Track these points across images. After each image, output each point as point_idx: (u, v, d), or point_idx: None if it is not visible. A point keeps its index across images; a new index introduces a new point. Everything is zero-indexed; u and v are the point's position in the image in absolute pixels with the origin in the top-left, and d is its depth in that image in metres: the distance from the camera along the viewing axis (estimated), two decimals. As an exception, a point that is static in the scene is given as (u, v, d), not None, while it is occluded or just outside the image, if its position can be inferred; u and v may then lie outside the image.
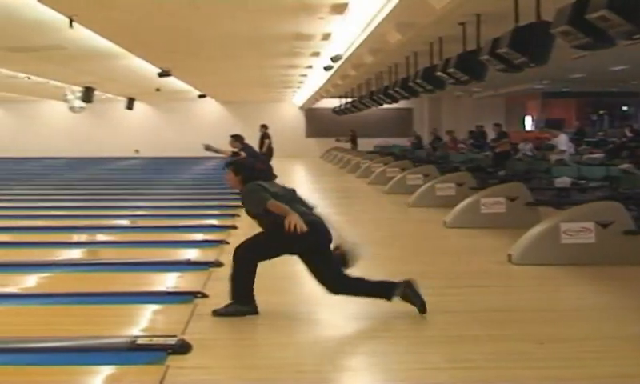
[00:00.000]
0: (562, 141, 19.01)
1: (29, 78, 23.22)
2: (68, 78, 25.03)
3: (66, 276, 8.48)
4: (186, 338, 5.62)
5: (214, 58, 18.58)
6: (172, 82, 24.52)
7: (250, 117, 34.50)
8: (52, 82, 25.20)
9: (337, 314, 6.53)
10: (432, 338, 5.80)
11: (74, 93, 27.70)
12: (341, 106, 29.69)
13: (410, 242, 11.07)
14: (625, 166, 15.20)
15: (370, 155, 28.35)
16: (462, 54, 11.16)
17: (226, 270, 6.76)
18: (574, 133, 25.84)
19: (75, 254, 10.49)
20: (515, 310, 6.78)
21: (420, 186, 15.76)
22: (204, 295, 6.98)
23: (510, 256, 8.68)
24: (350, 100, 27.27)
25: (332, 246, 6.40)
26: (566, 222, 8.66)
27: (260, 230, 6.51)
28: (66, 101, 28.43)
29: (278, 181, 15.15)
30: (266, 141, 21.35)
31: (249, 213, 6.49)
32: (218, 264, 8.32)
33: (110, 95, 32.31)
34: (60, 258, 9.77)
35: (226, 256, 6.83)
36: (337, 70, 18.43)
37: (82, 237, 11.93)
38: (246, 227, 8.19)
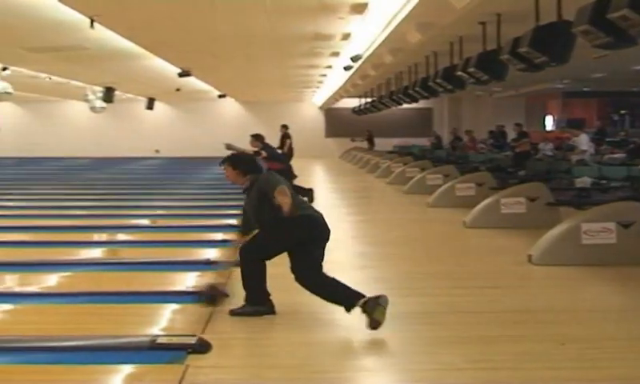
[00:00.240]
0: (583, 141, 18.92)
1: (50, 79, 23.34)
2: (89, 79, 25.15)
3: (86, 275, 8.53)
4: (206, 337, 5.63)
5: (233, 58, 18.61)
6: (192, 82, 24.57)
7: (269, 117, 34.54)
8: (73, 82, 25.31)
9: (354, 315, 6.50)
10: (450, 338, 5.79)
11: (95, 93, 27.82)
12: (360, 105, 29.64)
13: (430, 243, 11.04)
14: (646, 166, 15.10)
15: (390, 155, 28.30)
16: (483, 54, 11.12)
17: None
18: (595, 133, 25.70)
19: (96, 253, 10.54)
20: (535, 310, 6.74)
21: (440, 186, 15.73)
22: (224, 295, 6.98)
23: (530, 256, 8.65)
24: (369, 100, 27.23)
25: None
26: (587, 222, 8.62)
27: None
28: (86, 101, 28.56)
29: (297, 181, 15.21)
30: (287, 141, 21.42)
31: (252, 212, 6.50)
32: (237, 264, 8.32)
33: (130, 95, 32.44)
34: (80, 257, 9.82)
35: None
36: (356, 69, 18.42)
37: (103, 236, 11.98)
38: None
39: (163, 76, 22.26)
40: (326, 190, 20.17)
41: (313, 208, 6.62)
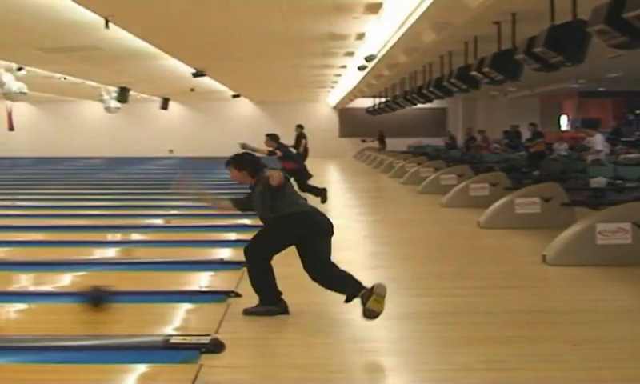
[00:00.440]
0: (598, 140, 18.80)
1: (65, 79, 23.42)
2: (103, 79, 25.22)
3: (100, 275, 8.52)
4: (219, 337, 5.64)
5: (248, 58, 18.62)
6: (206, 82, 24.61)
7: (283, 117, 34.58)
8: (88, 83, 25.40)
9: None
10: (464, 338, 5.77)
11: (110, 93, 27.90)
12: (374, 105, 29.62)
13: (444, 243, 11.01)
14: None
15: (404, 155, 28.28)
16: (497, 54, 11.08)
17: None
18: (610, 132, 25.56)
19: (109, 253, 10.57)
20: (550, 311, 6.72)
21: (454, 186, 15.70)
22: (237, 294, 7.00)
23: (544, 257, 8.62)
24: (383, 100, 27.20)
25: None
26: (602, 222, 8.58)
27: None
28: (101, 101, 28.64)
29: (311, 180, 15.22)
30: (303, 141, 21.47)
31: (257, 210, 6.58)
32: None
33: (145, 95, 32.52)
34: (94, 256, 9.86)
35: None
36: (371, 69, 18.40)
37: (117, 236, 12.02)
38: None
39: (177, 76, 22.31)
40: (340, 190, 20.16)
41: (310, 205, 6.68)
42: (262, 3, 11.61)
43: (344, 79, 25.16)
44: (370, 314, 5.98)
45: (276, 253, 6.43)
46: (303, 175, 15.22)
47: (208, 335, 5.62)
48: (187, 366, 5.07)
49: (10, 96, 20.01)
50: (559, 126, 35.39)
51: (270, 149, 14.39)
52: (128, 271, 8.71)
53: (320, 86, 29.59)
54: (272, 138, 14.59)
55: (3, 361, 5.34)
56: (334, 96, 34.01)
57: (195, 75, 20.51)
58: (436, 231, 12.21)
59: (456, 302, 6.97)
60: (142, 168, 29.52)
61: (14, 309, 7.02)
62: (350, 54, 17.57)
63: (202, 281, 7.91)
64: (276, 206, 6.38)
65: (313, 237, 6.34)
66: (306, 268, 6.33)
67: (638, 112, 33.74)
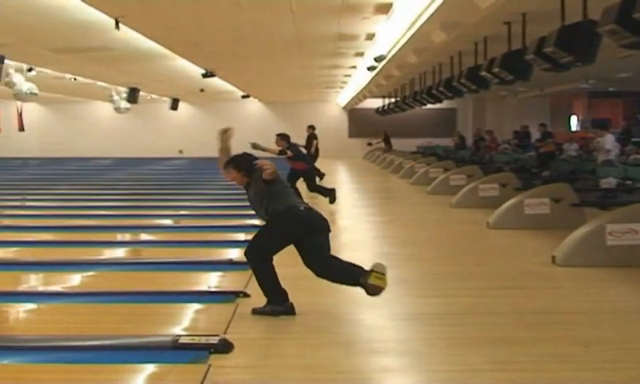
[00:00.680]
0: (608, 141, 18.74)
1: (75, 79, 23.48)
2: (113, 79, 25.27)
3: (110, 275, 8.57)
4: (228, 337, 5.64)
5: (257, 58, 18.63)
6: (216, 82, 24.63)
7: (293, 117, 34.63)
8: (98, 83, 25.46)
9: (376, 315, 6.50)
10: (473, 339, 5.75)
11: (120, 93, 27.97)
12: (384, 106, 29.60)
13: (453, 243, 10.99)
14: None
15: (413, 155, 28.26)
16: (507, 54, 11.07)
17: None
18: (621, 133, 25.48)
19: (119, 253, 10.61)
20: (559, 312, 6.70)
21: (463, 186, 15.68)
22: (246, 295, 7.01)
23: (554, 257, 8.59)
24: (393, 100, 27.18)
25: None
26: (612, 223, 8.55)
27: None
28: (111, 101, 28.71)
29: (324, 182, 15.17)
30: (314, 141, 21.48)
31: (255, 209, 6.67)
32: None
33: (154, 96, 32.58)
34: (104, 257, 9.88)
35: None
36: (380, 70, 18.39)
37: (126, 236, 12.05)
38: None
39: (187, 77, 22.34)
40: (350, 191, 20.15)
41: (305, 204, 6.70)
42: (271, 4, 11.61)
43: (353, 79, 25.14)
44: (374, 289, 6.18)
45: (275, 252, 6.45)
46: (313, 176, 15.21)
47: (217, 335, 5.63)
48: (196, 366, 5.08)
49: (20, 96, 20.06)
50: (569, 127, 35.30)
51: (281, 148, 14.39)
52: (137, 271, 8.73)
53: (329, 87, 29.57)
54: (283, 137, 14.59)
55: (12, 361, 5.36)
56: (343, 96, 33.99)
57: (205, 76, 20.53)
58: (445, 232, 12.18)
59: (464, 303, 6.95)
60: (151, 168, 29.59)
61: (23, 309, 7.04)
62: (360, 54, 17.56)
63: (211, 281, 7.92)
64: (270, 204, 6.44)
65: (310, 234, 6.38)
66: (309, 265, 6.37)
67: (648, 112, 33.63)
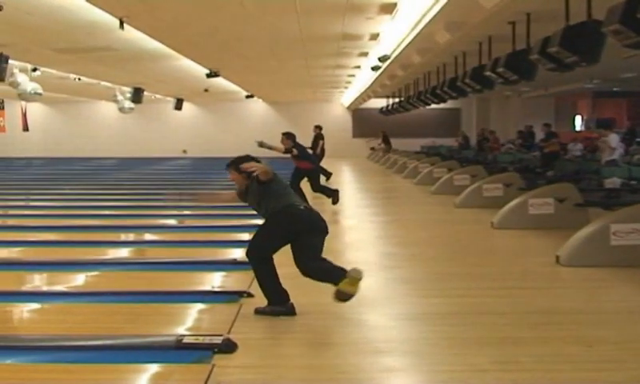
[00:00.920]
0: (613, 140, 18.71)
1: (79, 79, 23.50)
2: (118, 79, 25.30)
3: (113, 275, 8.57)
4: (232, 337, 5.65)
5: (261, 58, 18.63)
6: (220, 82, 24.64)
7: (296, 117, 34.64)
8: (102, 83, 25.48)
9: (379, 315, 6.51)
10: (477, 339, 5.75)
11: (124, 93, 28.00)
12: (388, 106, 29.59)
13: (457, 243, 10.99)
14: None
15: (417, 155, 28.25)
16: (512, 54, 11.05)
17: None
18: (625, 133, 25.44)
19: (123, 253, 10.62)
20: (563, 312, 6.69)
21: (467, 186, 15.68)
22: (250, 295, 7.01)
23: (558, 257, 8.59)
24: (397, 100, 27.17)
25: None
26: (616, 223, 8.53)
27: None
28: (115, 101, 28.73)
29: (329, 183, 15.15)
30: (320, 142, 21.48)
31: (256, 209, 6.71)
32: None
33: (159, 96, 32.60)
34: (108, 256, 9.90)
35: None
36: (384, 70, 18.37)
37: (130, 236, 12.06)
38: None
39: (191, 76, 22.35)
40: (354, 191, 20.15)
41: (304, 204, 6.72)
42: (275, 4, 11.60)
43: (358, 79, 25.13)
44: (341, 295, 6.14)
45: (275, 251, 6.48)
46: (317, 176, 15.19)
47: (220, 335, 5.63)
48: (200, 366, 5.08)
49: (24, 97, 20.09)
50: (573, 127, 35.26)
51: (287, 147, 14.36)
52: (141, 271, 8.74)
53: (333, 87, 29.57)
54: (288, 136, 14.55)
55: (16, 360, 5.37)
56: (347, 96, 33.98)
57: (209, 76, 20.54)
58: (449, 232, 12.18)
59: (468, 303, 6.95)
60: (155, 168, 29.61)
61: (27, 308, 7.05)
62: (364, 54, 17.55)
63: (214, 281, 7.93)
64: (269, 204, 6.47)
65: (309, 233, 6.39)
66: (298, 263, 6.37)
67: (653, 112, 33.59)
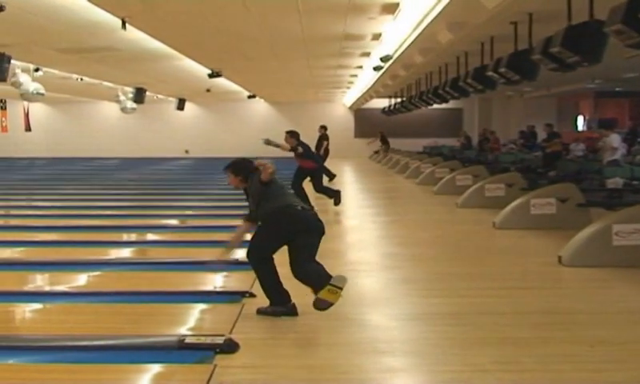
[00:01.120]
0: (614, 140, 18.71)
1: (81, 79, 23.50)
2: (120, 79, 25.29)
3: (115, 275, 8.58)
4: (234, 337, 5.65)
5: (263, 58, 18.62)
6: (222, 82, 24.63)
7: (299, 117, 34.62)
8: (104, 83, 25.48)
9: (381, 315, 6.51)
10: (479, 339, 5.75)
11: (126, 94, 27.99)
12: (390, 106, 29.59)
13: (459, 243, 10.98)
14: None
15: (419, 155, 28.24)
16: (514, 54, 11.04)
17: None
18: (627, 133, 25.44)
19: (125, 253, 10.62)
20: (565, 312, 6.69)
21: (469, 186, 15.67)
22: (252, 295, 7.02)
23: (560, 258, 8.59)
24: (399, 100, 27.17)
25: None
26: (618, 223, 8.53)
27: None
28: (117, 102, 28.73)
29: (332, 184, 15.13)
30: (325, 142, 21.49)
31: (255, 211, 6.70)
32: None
33: (161, 96, 32.60)
34: (110, 257, 9.90)
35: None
36: (386, 70, 18.36)
37: (132, 236, 12.07)
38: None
39: (194, 77, 22.35)
40: (356, 191, 20.16)
41: (302, 204, 6.72)
42: (277, 4, 11.60)
43: (360, 80, 25.12)
44: (321, 303, 6.14)
45: (274, 251, 6.50)
46: (320, 176, 15.17)
47: (222, 335, 5.64)
48: (202, 366, 5.09)
49: (26, 97, 20.08)
50: (575, 127, 35.25)
51: (291, 146, 14.32)
52: (143, 271, 8.75)
53: (336, 87, 29.55)
54: (292, 134, 14.51)
55: (18, 360, 5.38)
56: (349, 96, 33.97)
57: (211, 76, 20.53)
58: (451, 232, 12.18)
59: (470, 303, 6.95)
60: (157, 168, 29.63)
61: (29, 308, 7.06)
62: (366, 54, 17.54)
63: (216, 281, 7.92)
64: (268, 204, 6.49)
65: (307, 233, 6.40)
66: (292, 263, 6.36)
67: (655, 112, 33.57)
